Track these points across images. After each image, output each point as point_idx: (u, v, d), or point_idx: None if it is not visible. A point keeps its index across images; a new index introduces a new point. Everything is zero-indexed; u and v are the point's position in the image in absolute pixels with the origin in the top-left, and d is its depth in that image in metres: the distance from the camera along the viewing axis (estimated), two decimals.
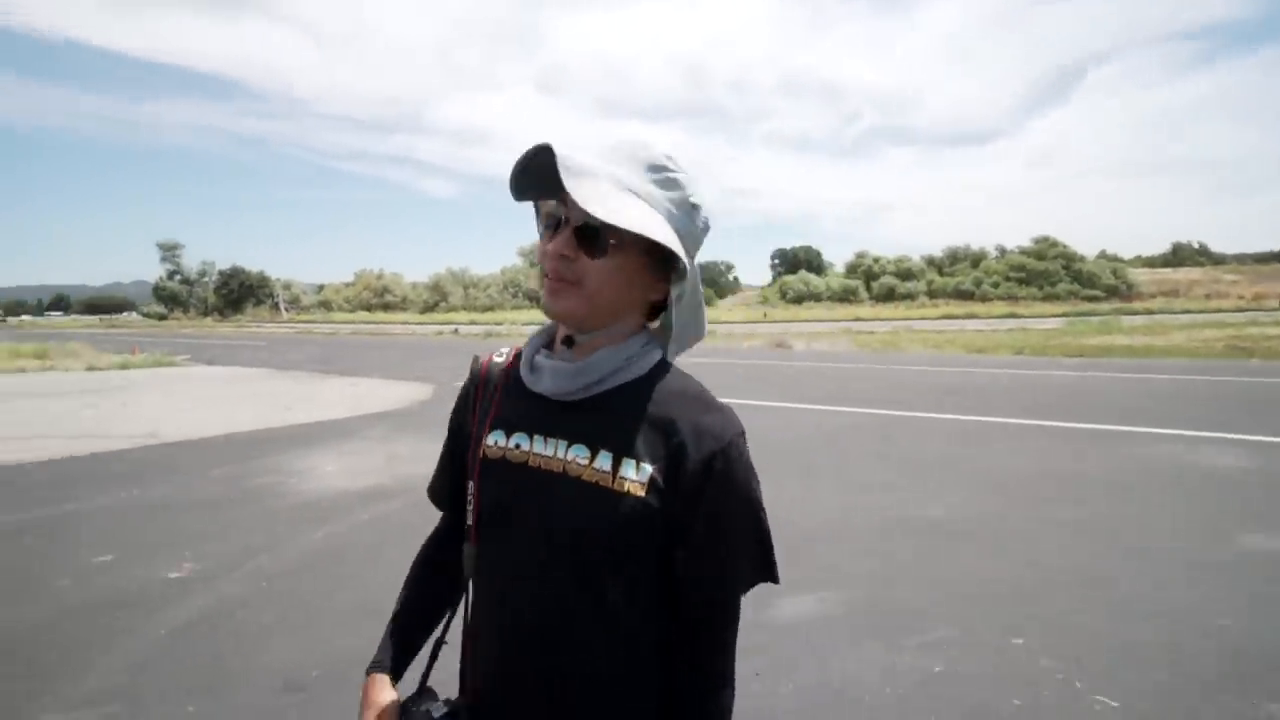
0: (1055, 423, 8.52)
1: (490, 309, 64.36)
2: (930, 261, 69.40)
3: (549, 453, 0.86)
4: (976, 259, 66.74)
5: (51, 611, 3.58)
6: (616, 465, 0.82)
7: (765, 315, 52.24)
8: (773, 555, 0.89)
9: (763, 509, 0.88)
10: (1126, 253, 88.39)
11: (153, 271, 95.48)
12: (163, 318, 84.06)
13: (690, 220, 0.87)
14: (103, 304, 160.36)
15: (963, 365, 16.63)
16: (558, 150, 0.77)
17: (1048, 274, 59.04)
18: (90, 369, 18.64)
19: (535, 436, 0.87)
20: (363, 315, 66.97)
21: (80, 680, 2.89)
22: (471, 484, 0.91)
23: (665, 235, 0.82)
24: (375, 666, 0.96)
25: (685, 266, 0.85)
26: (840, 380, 14.10)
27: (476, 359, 1.01)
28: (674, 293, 0.88)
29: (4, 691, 2.81)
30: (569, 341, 0.90)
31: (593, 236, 0.81)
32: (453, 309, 67.62)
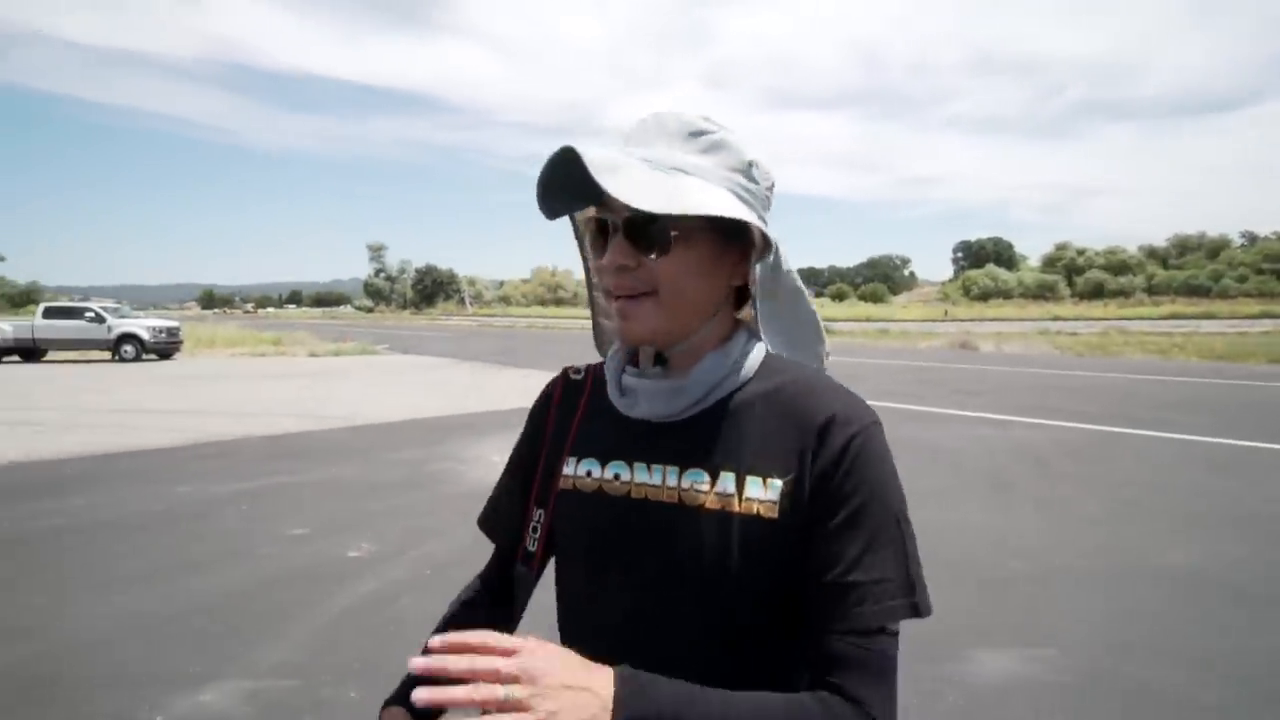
0: None
1: None
2: (1151, 253, 60.35)
3: (656, 481, 0.76)
4: (1215, 248, 56.96)
5: (252, 579, 3.94)
6: (740, 486, 0.72)
7: (946, 313, 48.41)
8: (918, 575, 0.72)
9: (904, 516, 0.73)
10: None
11: (363, 269, 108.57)
12: (370, 310, 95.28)
13: (751, 181, 0.76)
14: (325, 298, 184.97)
15: (1198, 375, 14.11)
16: (582, 150, 0.67)
17: None
18: (311, 355, 21.44)
19: (637, 465, 0.77)
20: (537, 310, 71.13)
21: (269, 650, 3.10)
22: (540, 513, 0.85)
23: (731, 206, 0.72)
24: (393, 700, 0.81)
25: (761, 233, 0.74)
26: (1037, 388, 12.48)
27: (552, 383, 0.91)
28: (758, 270, 0.76)
29: (208, 650, 3.08)
30: (659, 358, 0.79)
31: (650, 234, 0.71)
32: None
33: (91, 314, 19.28)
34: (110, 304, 21.17)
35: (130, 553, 4.36)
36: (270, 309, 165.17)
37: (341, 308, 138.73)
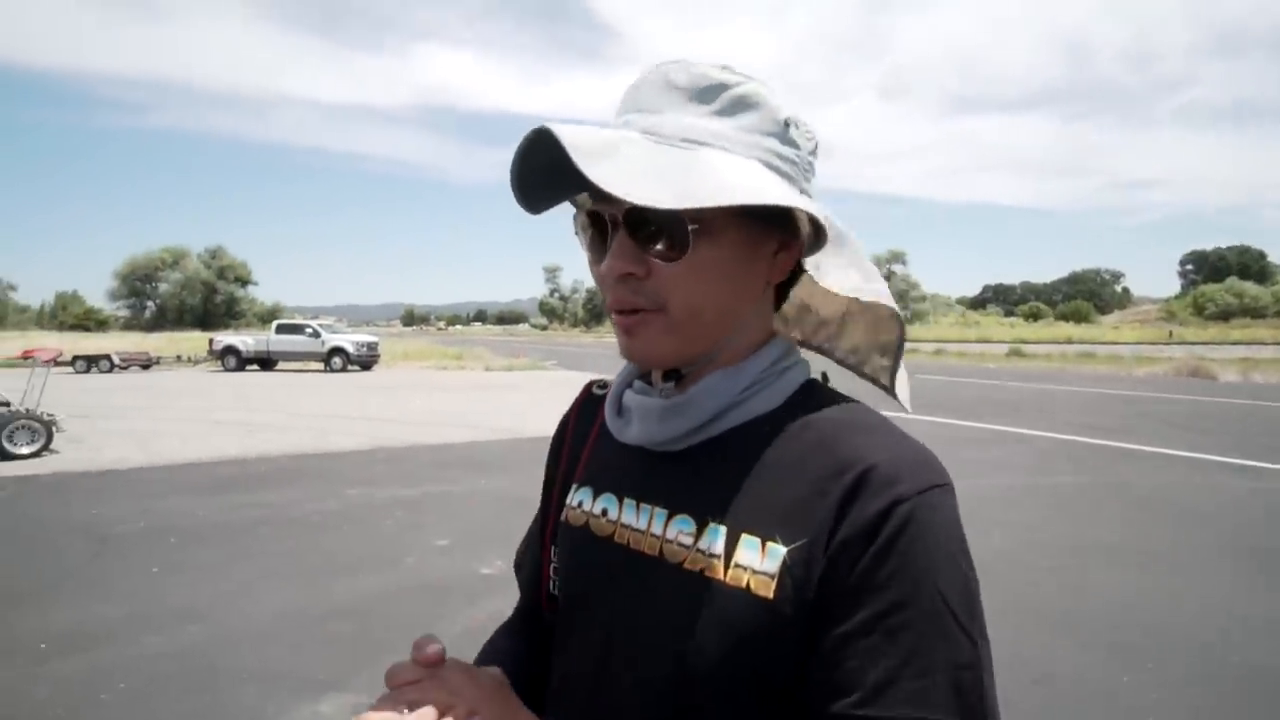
0: None
1: None
2: None
3: (641, 526, 0.61)
4: None
5: (392, 586, 4.06)
6: (731, 546, 0.55)
7: (1171, 335, 41.87)
8: (987, 711, 0.48)
9: (973, 630, 0.49)
10: None
11: (540, 290, 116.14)
12: (544, 328, 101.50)
13: (788, 145, 0.58)
14: (506, 316, 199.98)
15: None
16: (559, 130, 0.51)
17: None
18: (486, 369, 23.04)
19: (625, 501, 0.64)
20: None
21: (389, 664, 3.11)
22: (554, 551, 0.73)
23: (767, 187, 0.54)
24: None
25: (805, 213, 0.57)
26: None
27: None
28: (809, 262, 0.60)
29: (339, 657, 3.16)
30: (671, 375, 0.63)
31: (661, 230, 0.55)
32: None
33: (310, 330, 22.24)
34: (326, 321, 24.29)
35: (297, 550, 4.71)
36: (458, 326, 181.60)
37: (519, 326, 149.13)
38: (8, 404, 8.27)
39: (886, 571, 0.49)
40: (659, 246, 0.56)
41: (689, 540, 0.57)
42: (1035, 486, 6.66)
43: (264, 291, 69.91)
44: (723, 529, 0.56)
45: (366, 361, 22.04)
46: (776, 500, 0.55)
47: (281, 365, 22.48)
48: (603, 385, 0.76)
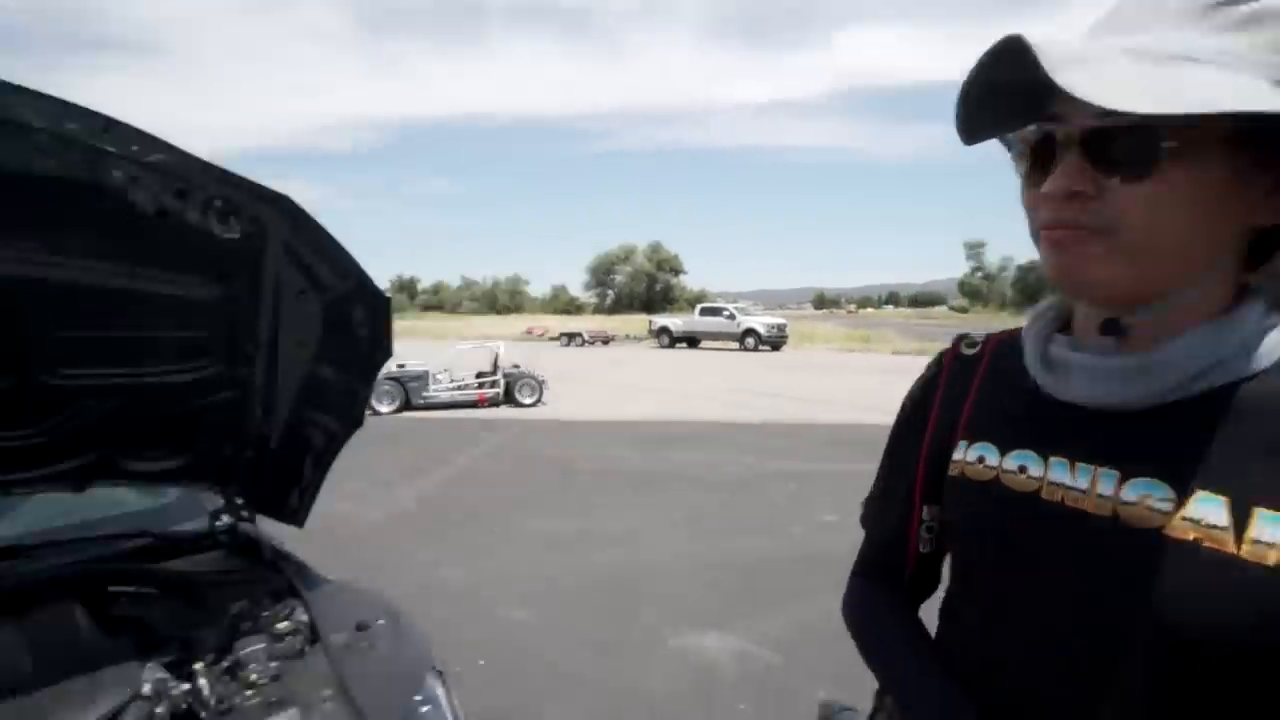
0: None
1: None
2: None
3: (1081, 485, 0.57)
4: None
5: (782, 552, 4.31)
6: (1244, 519, 0.50)
7: None
8: None
9: None
10: None
11: (960, 269, 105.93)
12: (964, 310, 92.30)
13: None
14: (920, 298, 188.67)
15: None
16: (1033, 40, 0.47)
17: None
18: (894, 352, 22.18)
19: (1052, 459, 0.60)
20: None
21: (770, 621, 3.33)
22: (932, 509, 0.73)
23: (1273, 100, 0.46)
24: None
25: None
26: None
27: (941, 354, 0.76)
28: None
29: (727, 603, 3.50)
30: (1113, 326, 0.57)
31: (1124, 148, 0.50)
32: None
33: (728, 312, 24.49)
34: (742, 305, 26.42)
35: (699, 505, 5.34)
36: (869, 309, 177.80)
37: (936, 308, 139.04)
38: (518, 366, 11.19)
39: None
40: (1118, 165, 0.51)
41: (1167, 506, 0.53)
42: None
43: (693, 279, 79.45)
44: (1222, 500, 0.52)
45: (776, 341, 23.32)
46: None
47: (705, 344, 25.32)
48: (973, 343, 0.73)
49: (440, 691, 1.29)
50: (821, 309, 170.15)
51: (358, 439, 1.60)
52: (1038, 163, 0.56)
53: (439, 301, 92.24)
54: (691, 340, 25.26)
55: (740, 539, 4.53)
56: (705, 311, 25.52)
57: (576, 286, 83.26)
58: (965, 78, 0.52)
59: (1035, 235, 0.58)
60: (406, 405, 9.86)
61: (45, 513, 1.65)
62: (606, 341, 27.40)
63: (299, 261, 1.30)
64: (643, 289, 73.23)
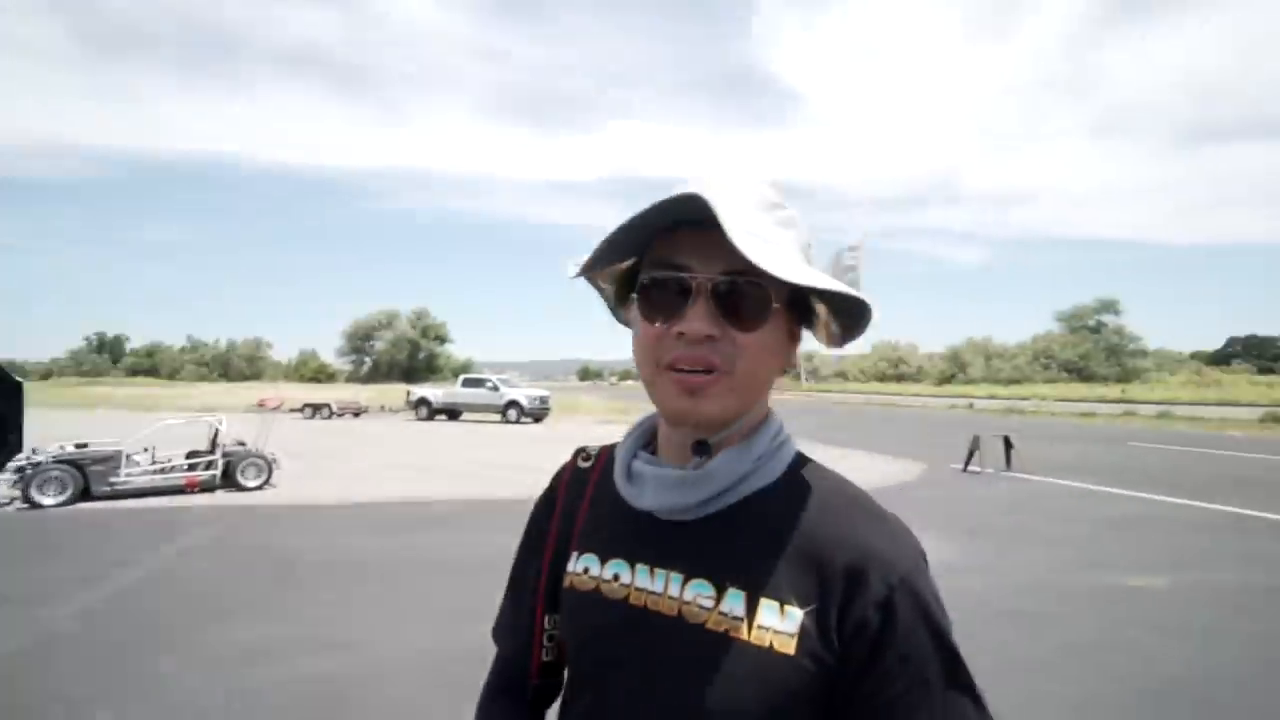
0: None
1: (1015, 382, 57.09)
2: None
3: (657, 589, 0.66)
4: None
5: None
6: (752, 609, 0.62)
7: None
8: None
9: (963, 660, 0.62)
10: None
11: None
12: None
13: (808, 265, 0.67)
14: None
15: None
16: (715, 202, 0.56)
17: None
18: None
19: (638, 566, 0.68)
20: (874, 385, 67.83)
21: None
22: (548, 619, 0.77)
23: (844, 287, 0.64)
24: None
25: (806, 319, 0.71)
26: None
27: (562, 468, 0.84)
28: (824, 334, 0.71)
29: (457, 697, 3.27)
30: (703, 448, 0.67)
31: (748, 304, 0.63)
32: (971, 381, 62.57)
33: (490, 384, 24.07)
34: (506, 376, 26.18)
35: (442, 592, 5.02)
36: (630, 381, 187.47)
37: None
38: (243, 443, 9.82)
39: (903, 645, 0.59)
40: (739, 317, 0.63)
41: (709, 603, 0.63)
42: None
43: (462, 348, 77.31)
44: (742, 594, 0.62)
45: (539, 414, 23.35)
46: (787, 568, 0.63)
47: (466, 416, 24.56)
48: (588, 456, 0.81)
49: None
50: (586, 380, 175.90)
51: (1, 545, 1.24)
52: (660, 305, 0.64)
53: (153, 365, 78.59)
54: (452, 412, 24.35)
55: (475, 626, 4.31)
56: (468, 383, 24.81)
57: (329, 353, 76.42)
58: (637, 217, 0.60)
59: (651, 365, 0.65)
60: (85, 494, 8.08)
61: None
62: (358, 414, 25.35)
63: None
64: (404, 357, 69.58)
